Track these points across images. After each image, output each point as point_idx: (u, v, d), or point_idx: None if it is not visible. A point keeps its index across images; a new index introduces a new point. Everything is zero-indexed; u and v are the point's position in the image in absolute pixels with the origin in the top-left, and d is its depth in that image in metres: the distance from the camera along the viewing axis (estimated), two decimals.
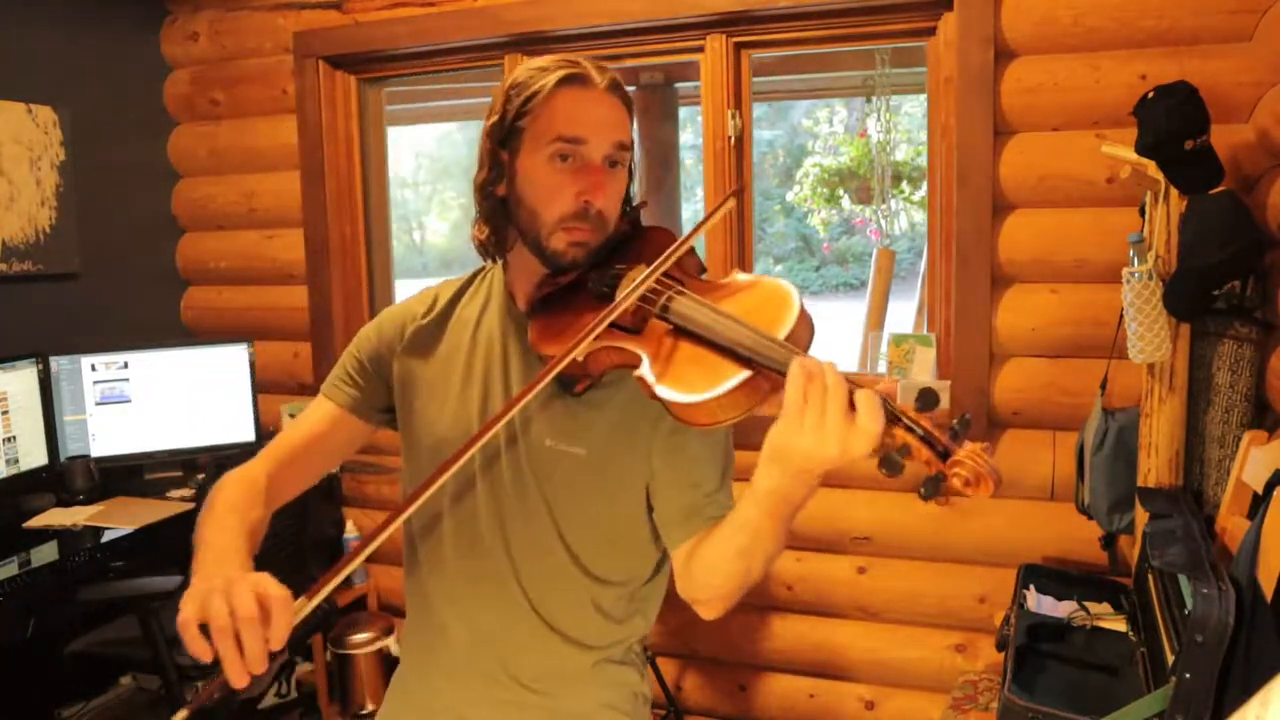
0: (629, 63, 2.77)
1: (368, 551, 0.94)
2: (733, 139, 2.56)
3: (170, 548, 2.44)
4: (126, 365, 2.76)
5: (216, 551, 1.00)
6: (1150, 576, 1.81)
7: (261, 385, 2.93)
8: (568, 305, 1.11)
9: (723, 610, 1.08)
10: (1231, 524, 1.71)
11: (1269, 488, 1.51)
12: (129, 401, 2.76)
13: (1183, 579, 1.56)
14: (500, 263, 1.22)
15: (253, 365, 2.88)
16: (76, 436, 2.70)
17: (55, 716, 2.70)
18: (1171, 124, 1.82)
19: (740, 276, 1.09)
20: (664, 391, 0.97)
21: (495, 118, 1.12)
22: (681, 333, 1.01)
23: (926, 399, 0.86)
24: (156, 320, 3.19)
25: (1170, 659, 1.53)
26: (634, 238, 1.17)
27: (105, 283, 2.97)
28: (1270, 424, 1.85)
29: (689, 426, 0.97)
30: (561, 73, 1.09)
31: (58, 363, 2.68)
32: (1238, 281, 1.86)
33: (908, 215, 10.94)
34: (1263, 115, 1.95)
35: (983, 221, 2.28)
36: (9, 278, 2.68)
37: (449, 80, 3.25)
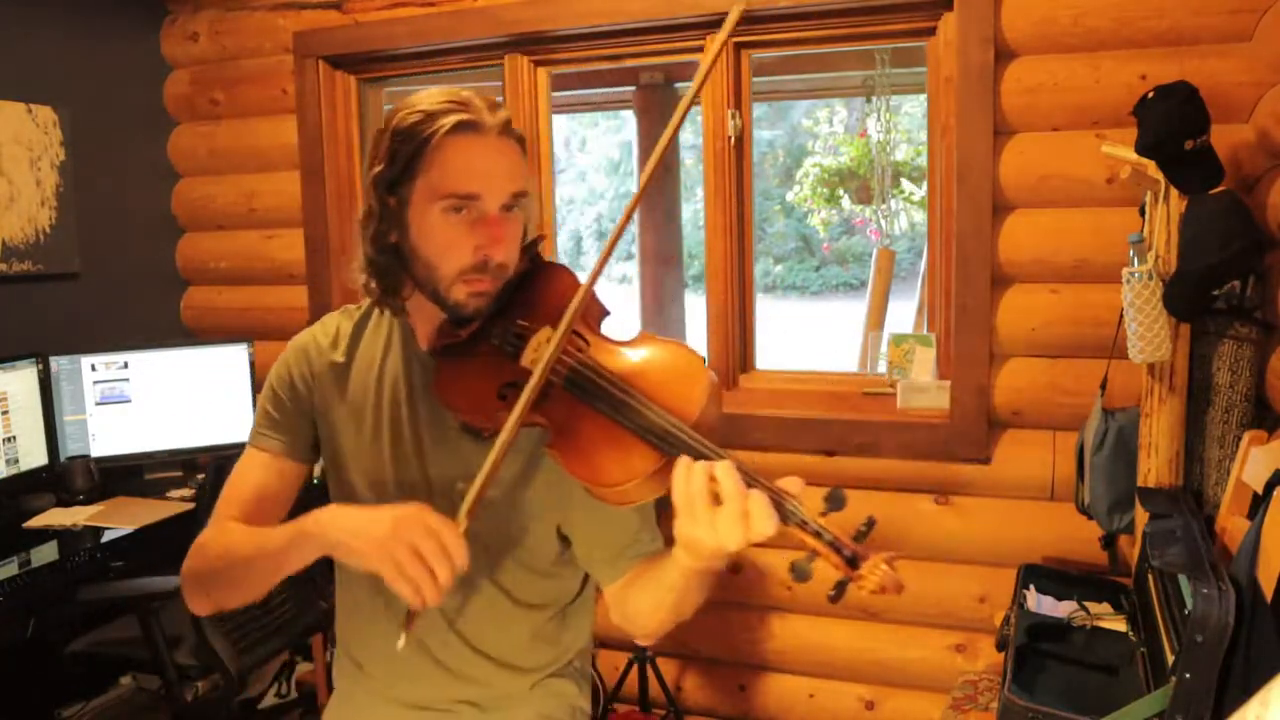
0: (629, 63, 2.78)
1: None
2: (733, 139, 2.56)
3: (170, 548, 2.42)
4: (126, 365, 2.76)
5: (315, 516, 1.04)
6: (1150, 576, 1.81)
7: (261, 385, 2.92)
8: (471, 358, 1.09)
9: (656, 639, 1.13)
10: (1231, 524, 1.71)
11: (1269, 488, 1.51)
12: (129, 401, 2.76)
13: (1183, 579, 1.56)
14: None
15: (253, 365, 2.88)
16: (76, 436, 2.70)
17: (55, 716, 2.70)
18: (1171, 124, 1.81)
19: (643, 345, 1.04)
20: (575, 473, 0.97)
21: (381, 166, 1.07)
22: (586, 405, 0.99)
23: (834, 501, 0.86)
24: (156, 320, 3.19)
25: (1170, 659, 1.53)
26: (534, 275, 1.13)
27: (105, 283, 2.97)
28: (1270, 424, 1.85)
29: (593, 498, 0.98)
30: (451, 120, 1.04)
31: (58, 363, 2.68)
32: (1238, 281, 1.86)
33: (908, 215, 10.95)
34: (1263, 115, 1.95)
35: (983, 221, 2.28)
36: (9, 278, 2.68)
37: (449, 80, 3.25)
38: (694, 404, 0.95)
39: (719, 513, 0.85)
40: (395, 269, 1.12)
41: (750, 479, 0.87)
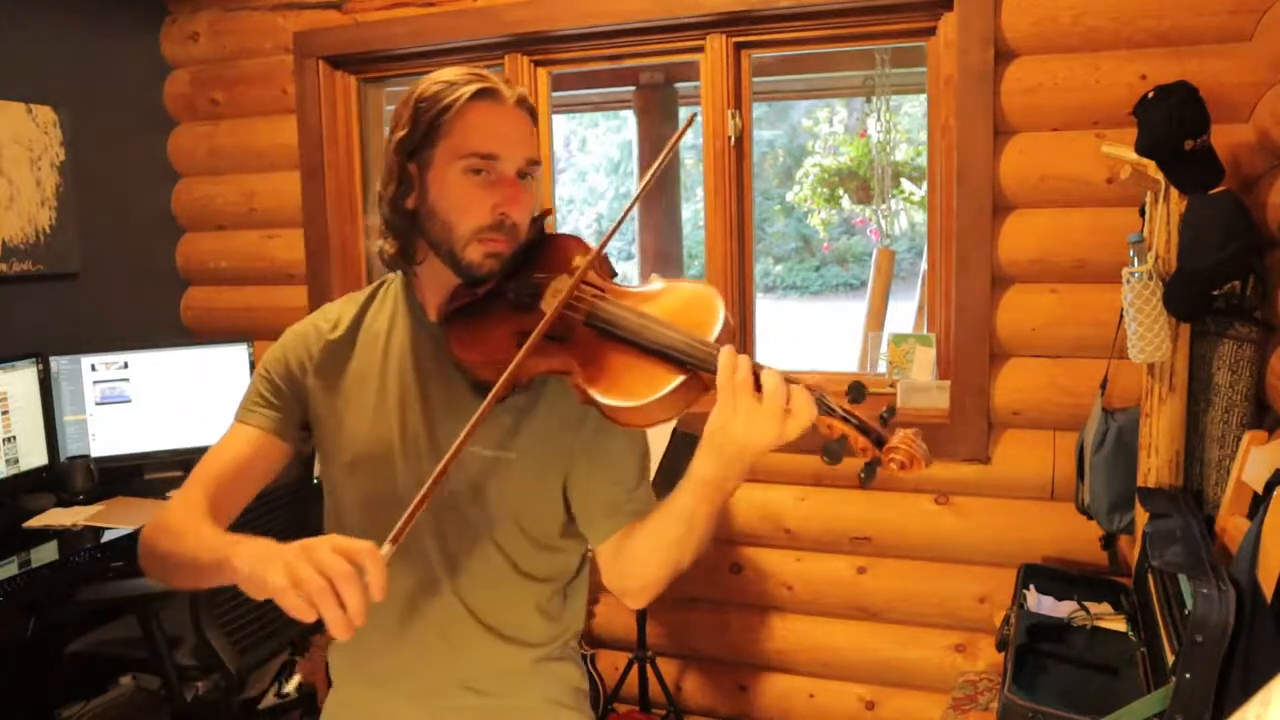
0: (629, 63, 2.78)
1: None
2: (733, 139, 2.56)
3: None
4: (126, 365, 2.76)
5: (243, 542, 0.99)
6: (1150, 576, 1.81)
7: None
8: (486, 315, 1.13)
9: (649, 600, 1.13)
10: (1231, 524, 1.71)
11: (1269, 488, 1.51)
12: (129, 401, 2.76)
13: (1183, 579, 1.56)
14: (405, 275, 1.22)
15: (253, 365, 2.88)
16: (76, 436, 2.70)
17: (55, 716, 2.70)
18: (1171, 124, 1.82)
19: (657, 282, 1.12)
20: (602, 398, 1.00)
21: (404, 131, 1.12)
22: (610, 338, 1.04)
23: (855, 392, 0.93)
24: (156, 320, 3.19)
25: (1170, 659, 1.53)
26: (541, 245, 1.18)
27: (105, 283, 2.97)
28: (1270, 424, 1.85)
29: (616, 426, 1.02)
30: (473, 87, 1.10)
31: (58, 363, 2.68)
32: (1238, 281, 1.86)
33: (908, 215, 10.96)
34: (1263, 115, 1.95)
35: (983, 221, 2.28)
36: (9, 278, 2.68)
37: None
38: (709, 325, 1.01)
39: (761, 404, 0.91)
40: (412, 233, 1.15)
41: (788, 378, 0.92)
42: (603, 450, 1.15)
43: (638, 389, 0.98)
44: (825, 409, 0.91)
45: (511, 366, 1.00)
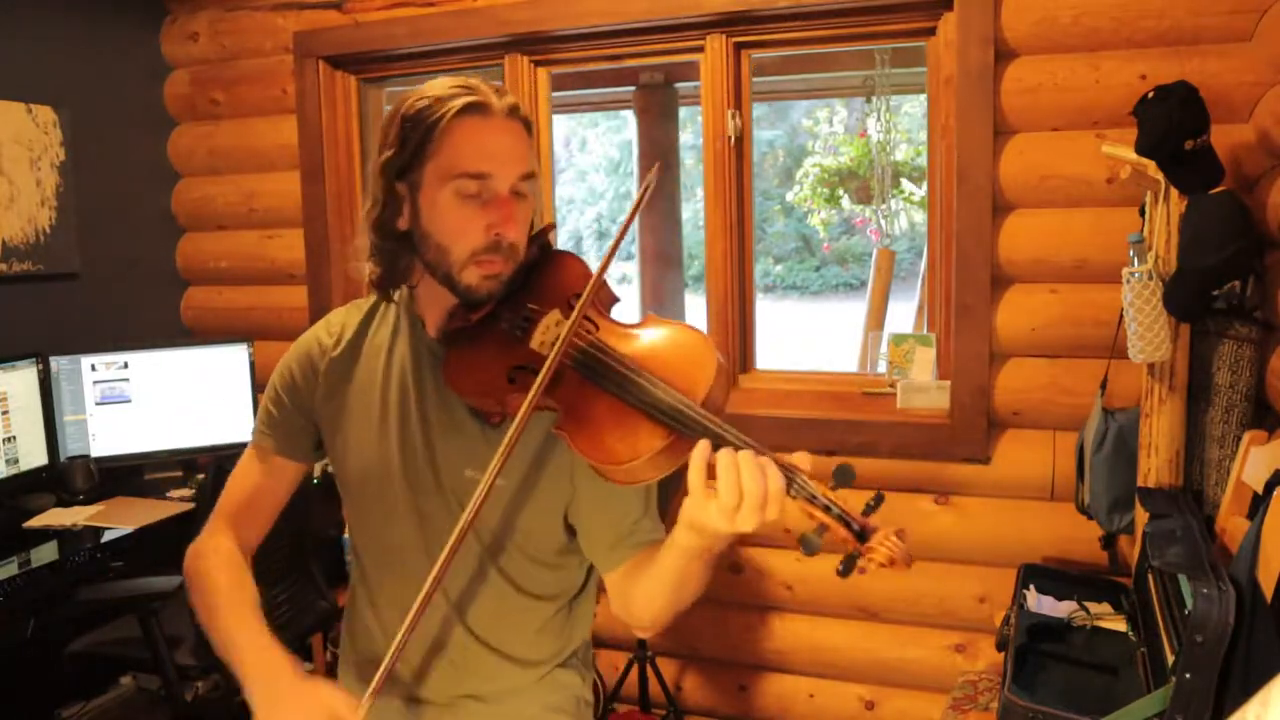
0: (629, 63, 2.77)
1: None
2: (733, 139, 2.56)
3: (170, 548, 2.42)
4: (126, 365, 2.76)
5: (256, 655, 1.08)
6: (1150, 576, 1.81)
7: (261, 385, 2.90)
8: (479, 343, 1.10)
9: (658, 632, 1.13)
10: (1231, 524, 1.71)
11: (1269, 488, 1.51)
12: (129, 401, 2.76)
13: (1183, 579, 1.56)
14: (408, 288, 1.19)
15: (253, 365, 2.88)
16: (76, 436, 2.70)
17: (55, 716, 2.70)
18: (1171, 124, 1.81)
19: (651, 327, 1.06)
20: (584, 452, 0.98)
21: (391, 151, 1.08)
22: (597, 384, 1.01)
23: (842, 476, 0.87)
24: (156, 320, 3.19)
25: (1170, 659, 1.53)
26: (543, 263, 1.14)
27: (105, 283, 2.97)
28: (1270, 424, 1.85)
29: (601, 477, 1.00)
30: (460, 101, 1.05)
31: (58, 363, 2.68)
32: (1238, 281, 1.86)
33: (908, 215, 10.95)
34: (1263, 115, 1.95)
35: (983, 221, 2.28)
36: (9, 278, 2.68)
37: None
38: (701, 383, 0.96)
39: (736, 500, 0.87)
40: (404, 256, 1.12)
41: (759, 452, 0.88)
42: (602, 484, 1.12)
43: (617, 448, 0.95)
44: (808, 496, 0.87)
45: (518, 422, 0.98)
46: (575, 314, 1.01)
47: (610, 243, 1.10)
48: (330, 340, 1.22)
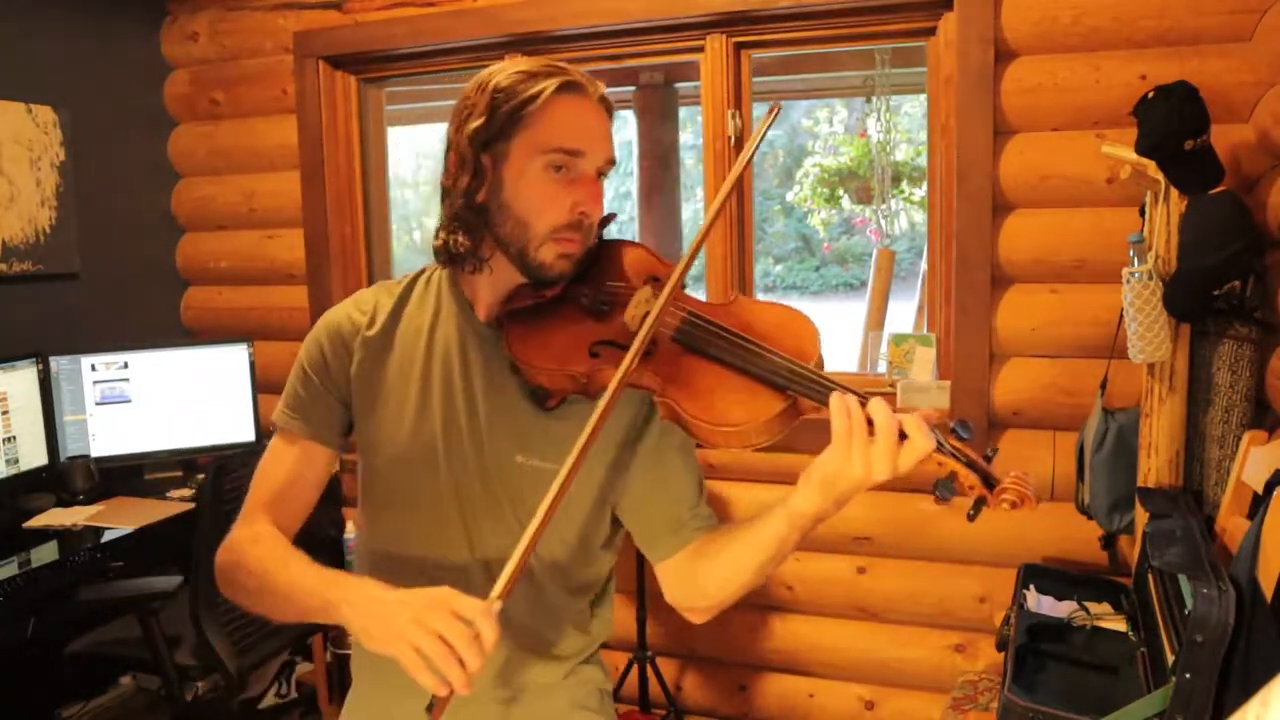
0: (629, 63, 2.77)
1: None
2: (733, 139, 2.56)
3: (170, 548, 2.44)
4: (126, 365, 2.76)
5: (339, 582, 1.01)
6: (1150, 576, 1.81)
7: (261, 385, 2.93)
8: (555, 319, 1.09)
9: (712, 616, 1.11)
10: (1231, 524, 1.71)
11: (1269, 488, 1.51)
12: (129, 401, 2.76)
13: (1183, 579, 1.56)
14: (456, 270, 1.15)
15: (253, 365, 2.88)
16: (76, 436, 2.70)
17: (55, 716, 2.70)
18: (1171, 124, 1.81)
19: (745, 302, 1.09)
20: (696, 417, 0.97)
21: (480, 121, 1.06)
22: (699, 355, 1.01)
23: (963, 429, 0.92)
24: (156, 320, 3.19)
25: (1170, 659, 1.53)
26: (605, 248, 1.15)
27: (105, 283, 2.97)
28: (1270, 424, 1.85)
29: (676, 441, 1.00)
30: (558, 79, 1.06)
31: (58, 363, 2.68)
32: (1238, 281, 1.86)
33: (908, 215, 10.94)
34: (1263, 115, 1.95)
35: (983, 221, 2.28)
36: (9, 278, 2.68)
37: (449, 80, 3.25)
38: (811, 348, 1.00)
39: (874, 443, 0.90)
40: (479, 228, 1.10)
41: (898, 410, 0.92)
42: (662, 468, 1.13)
43: (734, 412, 0.96)
44: (938, 446, 0.91)
45: (613, 386, 0.96)
46: (671, 283, 1.02)
47: (707, 218, 1.10)
48: (364, 318, 1.18)
